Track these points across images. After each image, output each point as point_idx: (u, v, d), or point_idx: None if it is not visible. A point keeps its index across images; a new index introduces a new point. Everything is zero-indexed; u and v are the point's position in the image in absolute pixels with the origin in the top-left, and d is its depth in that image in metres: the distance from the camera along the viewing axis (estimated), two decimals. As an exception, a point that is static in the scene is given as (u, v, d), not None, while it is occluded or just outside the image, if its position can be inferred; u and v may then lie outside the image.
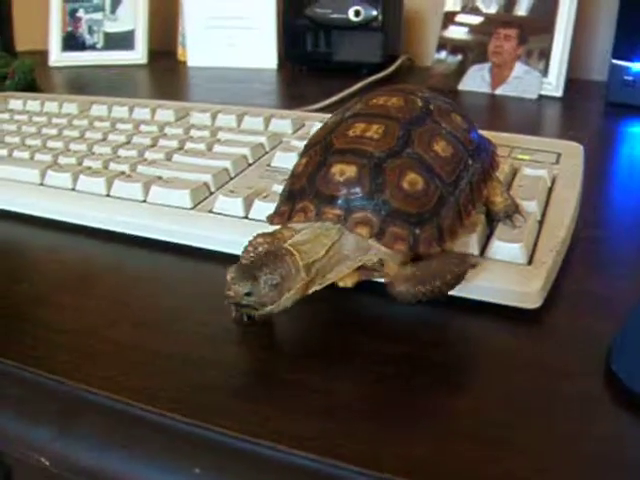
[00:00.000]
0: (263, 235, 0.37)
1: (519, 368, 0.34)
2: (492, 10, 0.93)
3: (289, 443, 0.29)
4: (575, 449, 0.29)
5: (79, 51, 1.21)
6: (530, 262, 0.39)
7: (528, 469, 0.28)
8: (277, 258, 0.33)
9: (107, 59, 1.19)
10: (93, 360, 0.35)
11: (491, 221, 0.42)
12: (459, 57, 0.94)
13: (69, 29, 1.21)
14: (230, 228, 0.44)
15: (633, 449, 0.29)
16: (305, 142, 0.41)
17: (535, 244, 0.40)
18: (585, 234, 0.46)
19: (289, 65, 1.09)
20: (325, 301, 0.39)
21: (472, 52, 0.93)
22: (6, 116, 0.69)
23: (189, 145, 0.57)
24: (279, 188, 0.39)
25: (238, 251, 0.38)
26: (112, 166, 0.53)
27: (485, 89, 0.91)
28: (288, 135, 0.59)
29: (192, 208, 0.47)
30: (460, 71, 0.93)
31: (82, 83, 1.08)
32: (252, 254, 0.37)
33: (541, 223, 0.42)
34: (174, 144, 0.57)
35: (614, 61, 0.83)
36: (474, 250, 0.39)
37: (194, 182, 0.49)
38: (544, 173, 0.48)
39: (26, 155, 0.57)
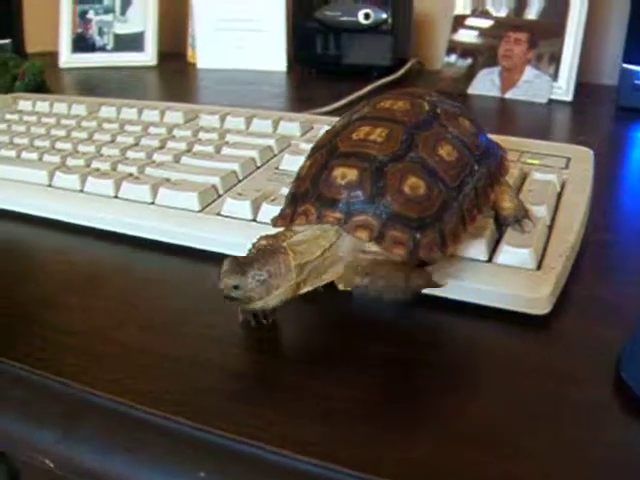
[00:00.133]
0: (266, 237, 0.37)
1: (527, 373, 0.33)
2: (502, 14, 0.92)
3: (293, 448, 0.29)
4: (582, 455, 0.29)
5: (89, 52, 1.21)
6: (539, 267, 0.38)
7: (534, 475, 0.28)
8: (270, 256, 0.34)
9: (117, 61, 1.19)
10: (100, 363, 0.35)
11: (500, 226, 0.41)
12: (469, 61, 0.94)
13: (79, 31, 1.21)
14: (238, 231, 0.44)
15: (642, 457, 0.29)
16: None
17: (544, 249, 0.40)
18: (595, 239, 0.46)
19: (298, 68, 1.09)
20: (330, 304, 0.39)
21: (482, 56, 0.92)
22: (15, 117, 0.69)
23: (197, 147, 0.57)
24: (287, 191, 0.39)
25: (245, 254, 0.38)
26: (120, 168, 0.53)
27: (495, 93, 0.91)
28: (297, 138, 0.59)
29: (200, 211, 0.47)
30: (470, 75, 0.93)
31: (92, 84, 1.08)
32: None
33: (550, 228, 0.42)
34: (182, 146, 0.57)
35: (625, 65, 0.83)
36: (483, 255, 0.39)
37: (202, 184, 0.49)
38: (554, 178, 0.48)
39: (35, 156, 0.57)
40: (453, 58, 0.95)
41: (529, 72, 0.89)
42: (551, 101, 0.87)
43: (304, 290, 0.35)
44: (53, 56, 1.19)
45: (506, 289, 0.37)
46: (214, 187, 0.49)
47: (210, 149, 0.56)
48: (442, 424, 0.30)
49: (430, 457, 0.28)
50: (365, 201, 0.35)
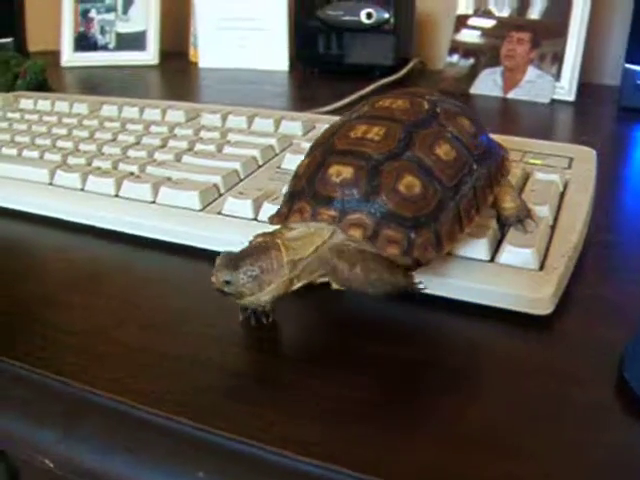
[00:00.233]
0: (262, 234, 0.36)
1: (529, 374, 0.33)
2: (505, 13, 0.92)
3: (294, 448, 0.29)
4: (584, 456, 0.28)
5: (91, 51, 1.21)
6: (542, 267, 0.38)
7: (535, 476, 0.27)
8: (262, 251, 0.34)
9: (119, 60, 1.19)
10: (101, 362, 0.35)
11: (502, 226, 0.41)
12: (471, 60, 0.93)
13: (81, 29, 1.21)
14: (239, 230, 0.44)
15: (644, 459, 0.28)
16: (313, 144, 0.41)
17: (547, 249, 0.40)
18: (597, 239, 0.46)
19: (300, 67, 1.09)
20: (332, 304, 0.39)
21: (484, 56, 0.92)
22: (17, 115, 0.69)
23: (199, 146, 0.57)
24: (288, 190, 0.39)
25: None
26: (121, 167, 0.53)
27: (497, 93, 0.90)
28: (298, 137, 0.59)
29: (201, 210, 0.47)
30: (472, 75, 0.93)
31: (93, 83, 1.08)
32: None
33: (553, 228, 0.42)
34: (184, 145, 0.57)
35: (627, 65, 0.83)
36: (485, 255, 0.39)
37: (203, 183, 0.49)
38: (556, 178, 0.48)
39: (36, 155, 0.57)
40: (455, 58, 0.95)
41: (531, 72, 0.89)
42: (553, 101, 0.87)
43: (297, 286, 0.35)
44: (55, 55, 1.19)
45: (508, 289, 0.37)
46: (215, 186, 0.49)
47: (211, 148, 0.56)
48: (443, 425, 0.30)
49: (431, 458, 0.28)
50: (360, 199, 0.34)
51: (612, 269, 0.44)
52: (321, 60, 1.05)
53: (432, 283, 0.38)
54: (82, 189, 0.51)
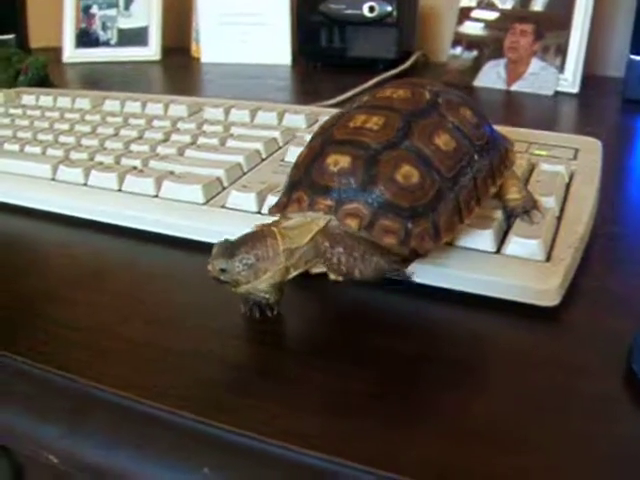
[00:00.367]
0: (261, 224, 0.36)
1: (536, 366, 0.33)
2: (508, 5, 0.92)
3: (296, 441, 0.29)
4: (591, 449, 0.28)
5: (93, 47, 1.21)
6: (548, 259, 0.38)
7: (542, 468, 0.27)
8: (258, 240, 0.34)
9: (120, 55, 1.19)
10: (105, 357, 0.35)
11: (508, 217, 0.41)
12: (474, 53, 0.93)
13: (83, 25, 1.21)
14: (243, 223, 0.43)
15: (654, 450, 0.28)
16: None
17: (553, 240, 0.40)
18: (603, 231, 0.46)
19: (303, 61, 1.08)
20: (335, 296, 0.38)
21: (488, 48, 0.92)
22: (19, 111, 0.69)
23: (202, 140, 0.56)
24: (289, 181, 0.39)
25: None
26: (124, 161, 0.53)
27: (500, 85, 0.90)
28: (302, 130, 0.58)
29: (204, 203, 0.47)
30: (475, 67, 0.92)
31: (95, 79, 1.08)
32: None
33: (559, 219, 0.42)
34: (187, 139, 0.57)
35: (632, 57, 0.82)
36: (491, 246, 0.39)
37: (207, 177, 0.48)
38: (562, 169, 0.47)
39: (38, 150, 0.57)
40: (459, 50, 0.95)
41: (535, 64, 0.88)
42: (557, 93, 0.87)
43: (292, 275, 0.35)
44: (57, 51, 1.19)
45: (514, 280, 0.37)
46: (219, 180, 0.49)
47: (215, 142, 0.56)
48: (447, 417, 0.30)
49: (434, 451, 0.28)
50: (357, 189, 0.34)
51: (618, 260, 0.44)
52: (324, 54, 1.05)
53: (437, 275, 0.38)
54: (85, 184, 0.51)
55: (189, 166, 0.51)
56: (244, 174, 0.51)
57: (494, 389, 0.32)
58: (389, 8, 0.98)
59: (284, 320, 0.38)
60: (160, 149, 0.55)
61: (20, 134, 0.61)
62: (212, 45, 1.15)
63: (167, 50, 1.20)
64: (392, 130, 0.36)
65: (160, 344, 0.36)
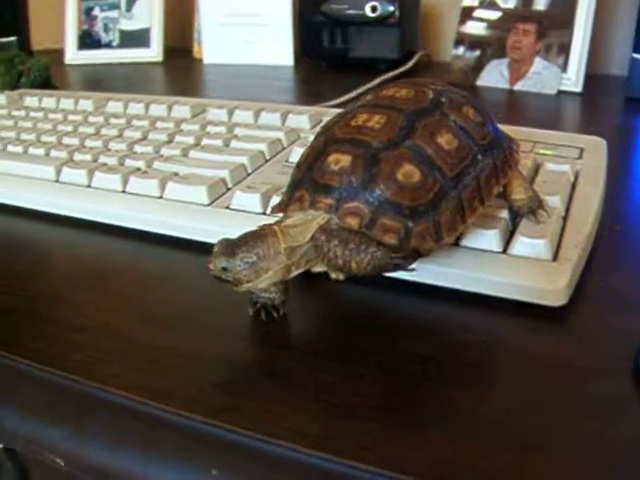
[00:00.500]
0: (264, 224, 0.36)
1: (543, 367, 0.33)
2: (510, 5, 0.91)
3: (304, 443, 0.29)
4: (599, 449, 0.28)
5: (95, 49, 1.21)
6: (555, 258, 0.38)
7: (549, 470, 0.27)
8: (260, 238, 0.34)
9: (123, 57, 1.19)
10: (110, 359, 0.35)
11: (514, 217, 0.41)
12: (477, 53, 0.93)
13: (85, 27, 1.21)
14: (248, 224, 0.43)
15: (663, 451, 0.28)
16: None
17: (559, 240, 0.39)
18: (609, 230, 0.45)
19: (306, 62, 1.08)
20: (342, 298, 0.38)
21: (490, 47, 0.92)
22: (22, 113, 0.69)
23: (206, 141, 0.56)
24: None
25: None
26: (128, 162, 0.53)
27: (504, 85, 0.90)
28: (306, 130, 0.58)
29: (209, 204, 0.47)
30: (478, 67, 0.92)
31: (97, 81, 1.08)
32: None
33: (565, 219, 0.42)
34: (191, 140, 0.57)
35: (635, 55, 0.82)
36: (497, 246, 0.38)
37: (211, 178, 0.48)
38: (567, 168, 0.47)
39: (41, 152, 0.57)
40: (461, 50, 0.94)
41: (538, 63, 0.88)
42: (560, 92, 0.86)
43: (294, 274, 0.35)
44: (59, 53, 1.19)
45: (521, 280, 0.37)
46: (223, 181, 0.49)
47: (219, 143, 0.56)
48: (456, 418, 0.30)
49: (444, 452, 0.28)
50: (358, 188, 0.34)
51: (625, 260, 0.43)
52: (326, 54, 1.04)
53: (443, 275, 0.38)
54: (89, 185, 0.51)
55: (193, 167, 0.51)
56: (248, 175, 0.51)
57: (502, 390, 0.32)
58: (391, 8, 0.97)
59: (289, 321, 0.37)
60: (164, 150, 0.55)
61: (23, 136, 0.61)
62: (214, 46, 1.15)
63: (169, 51, 1.20)
64: (394, 129, 0.36)
65: (165, 345, 0.36)
